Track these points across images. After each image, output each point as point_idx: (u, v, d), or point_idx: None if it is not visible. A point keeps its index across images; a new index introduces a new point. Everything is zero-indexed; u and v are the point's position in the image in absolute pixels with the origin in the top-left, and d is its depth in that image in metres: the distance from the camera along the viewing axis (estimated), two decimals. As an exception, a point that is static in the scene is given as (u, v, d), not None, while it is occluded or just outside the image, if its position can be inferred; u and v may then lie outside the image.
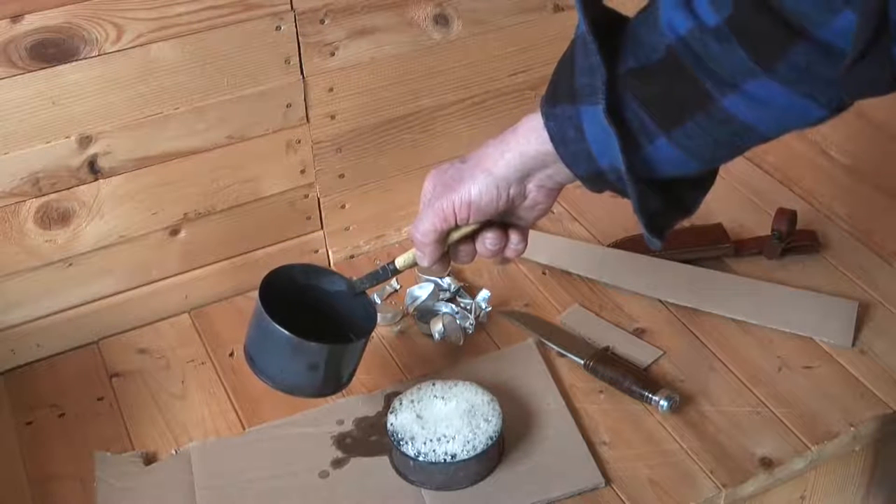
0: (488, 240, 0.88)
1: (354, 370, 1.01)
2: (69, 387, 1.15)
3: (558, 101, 0.77)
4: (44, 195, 1.09)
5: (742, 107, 0.70)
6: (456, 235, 0.87)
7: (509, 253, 0.89)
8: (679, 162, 0.75)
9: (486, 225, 0.87)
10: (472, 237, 0.88)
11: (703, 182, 0.80)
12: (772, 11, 0.65)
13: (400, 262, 0.95)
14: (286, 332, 0.93)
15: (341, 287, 1.02)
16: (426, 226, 0.86)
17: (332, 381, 1.00)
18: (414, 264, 0.94)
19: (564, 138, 0.77)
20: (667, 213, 0.79)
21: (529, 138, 0.80)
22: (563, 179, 0.82)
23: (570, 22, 1.29)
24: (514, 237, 0.89)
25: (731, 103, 0.70)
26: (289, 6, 1.11)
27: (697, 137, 0.73)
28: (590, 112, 0.74)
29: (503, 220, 0.87)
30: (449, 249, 0.89)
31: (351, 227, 1.30)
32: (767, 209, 1.31)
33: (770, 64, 0.67)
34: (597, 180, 0.79)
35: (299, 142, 1.20)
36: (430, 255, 0.88)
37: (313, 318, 0.99)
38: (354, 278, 1.02)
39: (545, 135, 0.78)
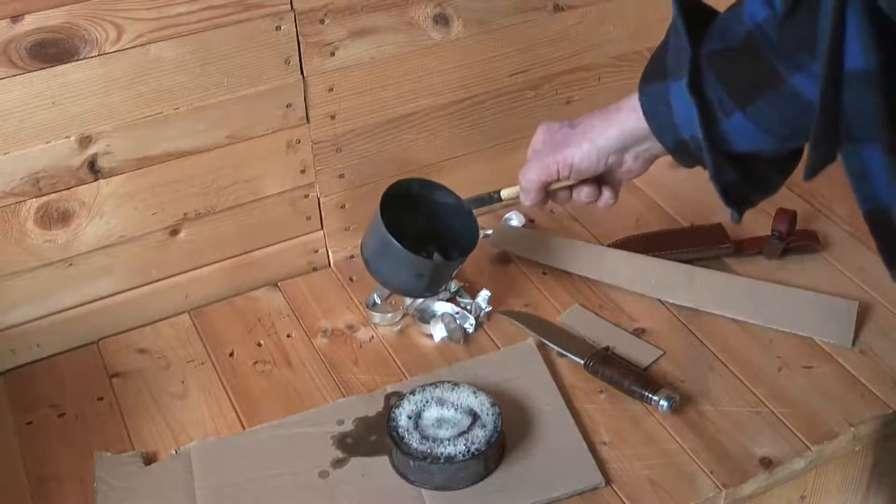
0: (584, 193, 1.01)
1: (451, 279, 1.17)
2: (69, 387, 1.15)
3: (651, 79, 0.89)
4: (44, 195, 1.09)
5: (808, 85, 0.77)
6: (556, 185, 1.00)
7: (601, 204, 1.02)
8: (753, 136, 0.83)
9: (583, 180, 0.99)
10: (570, 187, 1.01)
11: (786, 163, 0.88)
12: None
13: (505, 193, 1.09)
14: (399, 244, 1.07)
15: (451, 201, 1.15)
16: (532, 175, 1.00)
17: (434, 287, 1.14)
18: (516, 199, 1.06)
19: (654, 112, 0.89)
20: (746, 189, 0.88)
21: (630, 115, 0.92)
22: (657, 152, 0.94)
23: (571, 22, 1.30)
24: (606, 193, 1.01)
25: (798, 81, 0.78)
26: (289, 6, 1.11)
27: (769, 114, 0.81)
28: (676, 87, 0.85)
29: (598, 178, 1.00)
30: (548, 193, 1.02)
31: (351, 227, 1.30)
32: (767, 209, 1.31)
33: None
34: (682, 151, 0.89)
35: (299, 142, 1.20)
36: (533, 198, 1.02)
37: (423, 225, 1.15)
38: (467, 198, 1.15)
39: (642, 112, 0.90)
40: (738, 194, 0.88)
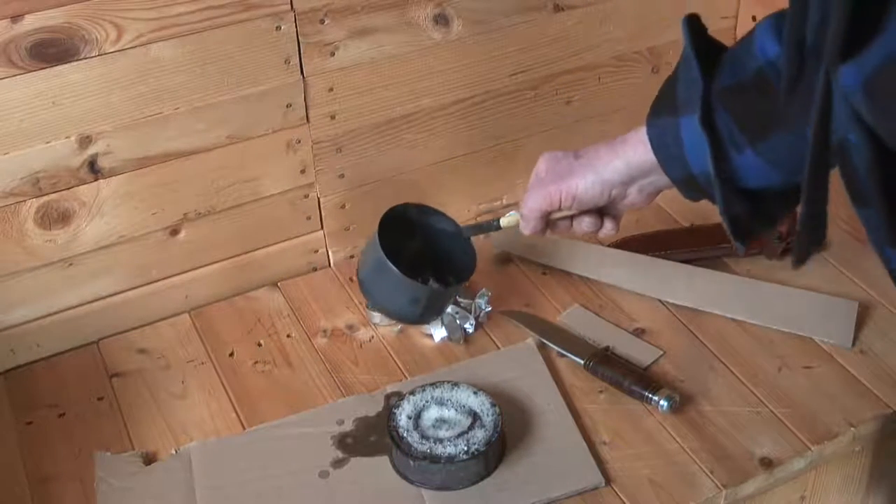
0: (585, 223, 1.00)
1: (447, 306, 1.14)
2: (69, 387, 1.15)
3: (661, 112, 0.88)
4: (44, 195, 1.09)
5: None
6: (558, 215, 0.99)
7: (601, 234, 1.01)
8: (764, 172, 0.84)
9: (585, 210, 0.98)
10: (570, 217, 1.00)
11: (791, 196, 0.87)
12: None
13: (504, 221, 1.06)
14: (397, 269, 1.03)
15: (448, 227, 1.11)
16: (533, 204, 0.99)
17: (429, 315, 1.10)
18: (516, 227, 1.04)
19: (663, 144, 0.88)
20: (753, 222, 0.88)
21: (637, 147, 0.91)
22: (662, 185, 0.93)
23: (571, 22, 1.30)
24: (608, 223, 1.00)
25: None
26: (289, 6, 1.11)
27: (780, 151, 0.81)
28: (687, 121, 0.85)
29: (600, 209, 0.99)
30: (549, 222, 1.01)
31: (351, 227, 1.30)
32: (767, 209, 1.31)
33: None
34: (689, 185, 0.88)
35: (299, 142, 1.20)
36: (533, 227, 1.01)
37: (420, 250, 1.11)
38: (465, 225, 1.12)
39: (650, 145, 0.89)
40: (746, 227, 0.88)
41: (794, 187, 0.85)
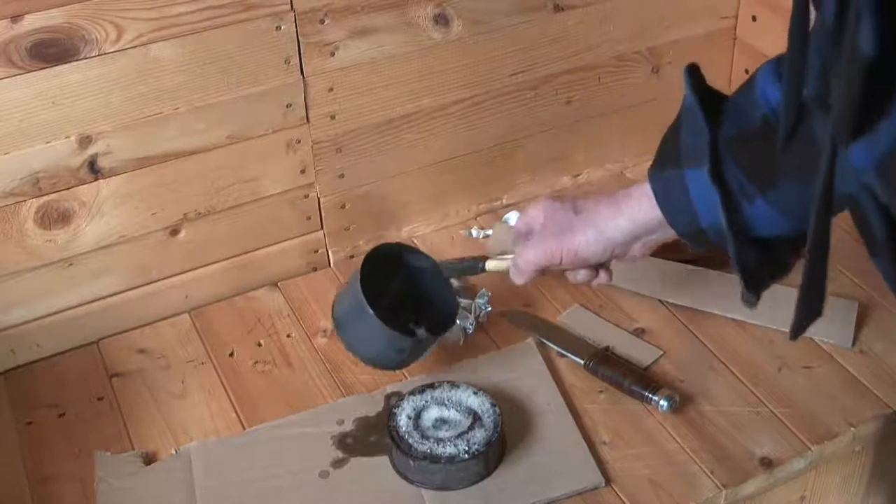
0: (580, 275, 0.98)
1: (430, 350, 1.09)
2: (69, 387, 1.14)
3: (665, 165, 0.86)
4: (44, 195, 1.09)
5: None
6: (554, 268, 0.97)
7: (594, 284, 1.00)
8: (776, 221, 0.82)
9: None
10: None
11: (799, 241, 0.85)
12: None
13: (491, 265, 1.04)
14: (381, 322, 0.99)
15: (426, 265, 1.09)
16: (531, 258, 0.96)
17: (410, 361, 1.06)
18: (504, 273, 1.02)
19: (669, 198, 0.85)
20: (765, 271, 0.86)
21: (642, 202, 0.88)
22: (665, 238, 0.91)
23: (571, 22, 1.30)
24: (603, 275, 0.99)
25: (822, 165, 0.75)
26: (289, 6, 1.11)
27: (791, 198, 0.80)
28: (694, 174, 0.83)
29: None
30: (542, 271, 0.98)
31: (351, 227, 1.30)
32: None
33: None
34: (697, 238, 0.86)
35: (299, 142, 1.20)
36: (527, 279, 0.99)
37: (400, 291, 1.08)
38: (446, 262, 1.09)
39: (655, 200, 0.86)
40: (758, 277, 0.86)
41: (803, 233, 0.84)
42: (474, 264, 1.04)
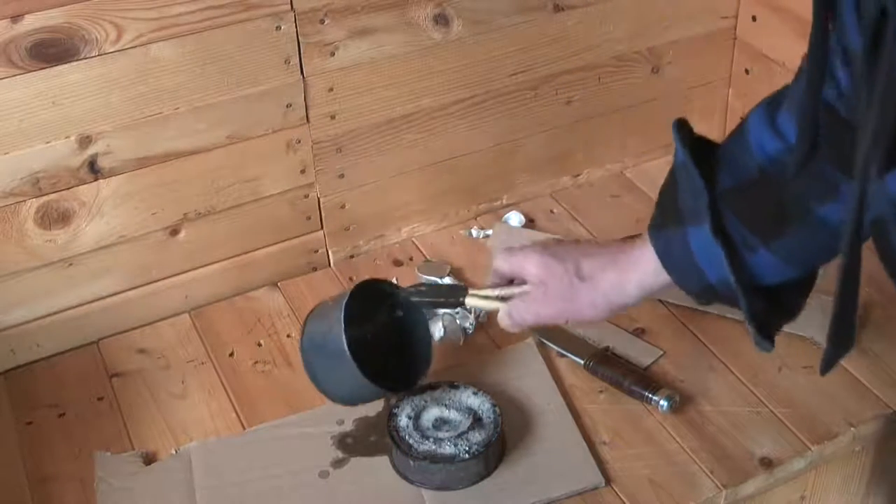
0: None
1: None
2: (69, 387, 1.14)
3: (665, 225, 0.85)
4: (44, 195, 1.09)
5: (837, 212, 0.76)
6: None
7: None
8: (780, 269, 0.82)
9: None
10: None
11: (805, 285, 0.86)
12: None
13: (471, 302, 1.00)
14: (365, 378, 0.97)
15: (397, 295, 1.05)
16: (531, 320, 0.94)
17: (362, 403, 1.05)
18: (493, 312, 0.98)
19: (673, 259, 0.85)
20: (774, 316, 0.86)
21: (648, 267, 0.87)
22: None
23: (571, 22, 1.30)
24: None
25: (827, 211, 0.76)
26: (289, 6, 1.11)
27: (793, 246, 0.80)
28: (696, 232, 0.82)
29: None
30: None
31: (351, 227, 1.30)
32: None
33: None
34: (707, 294, 0.86)
35: (299, 142, 1.20)
36: (520, 330, 0.97)
37: (377, 331, 1.05)
38: (420, 290, 1.05)
39: (661, 264, 0.85)
40: (768, 324, 0.86)
41: (808, 277, 0.86)
42: (454, 296, 1.01)
